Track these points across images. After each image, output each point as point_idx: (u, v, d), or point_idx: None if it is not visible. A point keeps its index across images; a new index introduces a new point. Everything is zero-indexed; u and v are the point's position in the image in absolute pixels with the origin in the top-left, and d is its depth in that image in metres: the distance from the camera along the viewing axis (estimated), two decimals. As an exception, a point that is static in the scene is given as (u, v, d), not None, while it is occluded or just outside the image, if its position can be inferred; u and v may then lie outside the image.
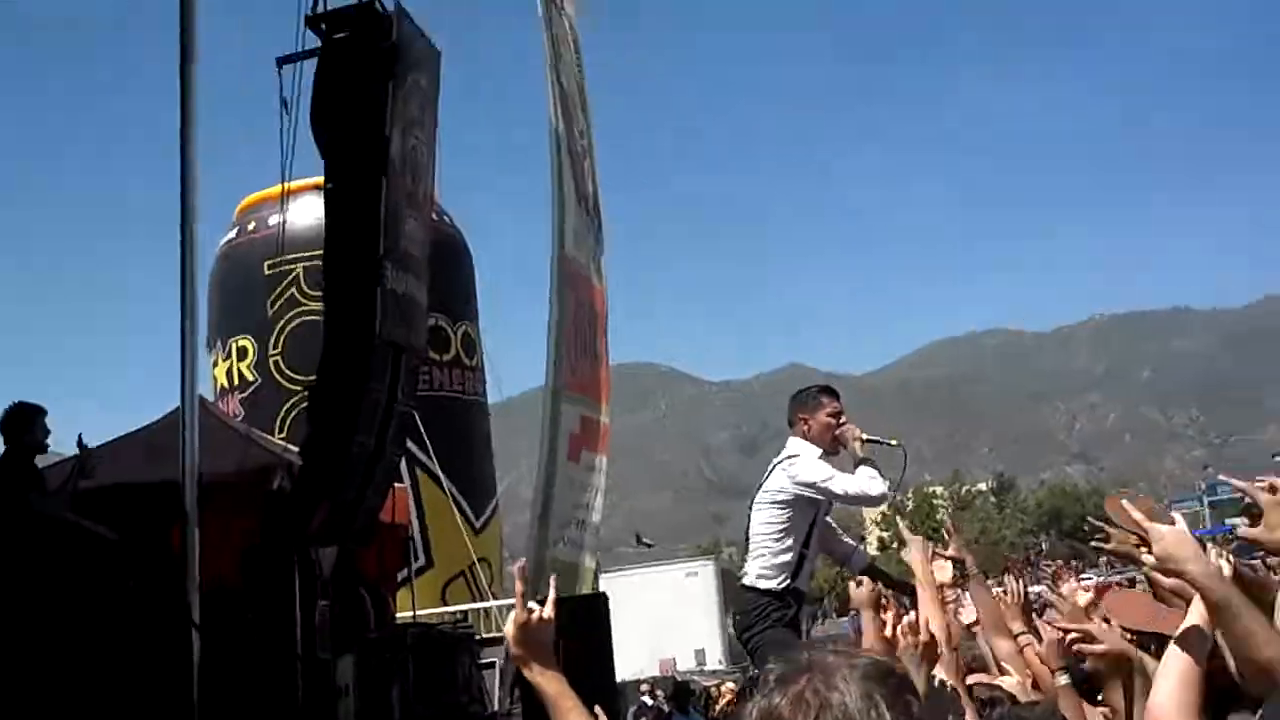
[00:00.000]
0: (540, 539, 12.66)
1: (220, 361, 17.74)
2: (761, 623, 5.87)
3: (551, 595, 2.86)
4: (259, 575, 7.69)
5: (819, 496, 5.99)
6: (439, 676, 9.15)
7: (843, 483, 5.95)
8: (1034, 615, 4.65)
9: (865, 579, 4.06)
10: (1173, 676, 2.51)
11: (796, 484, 5.94)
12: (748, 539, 6.12)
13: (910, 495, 65.33)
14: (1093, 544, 3.32)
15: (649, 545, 42.92)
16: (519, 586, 3.02)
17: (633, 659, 17.57)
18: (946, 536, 5.05)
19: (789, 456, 6.03)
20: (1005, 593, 4.49)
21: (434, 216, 12.08)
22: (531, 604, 2.87)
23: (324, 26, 8.21)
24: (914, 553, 4.64)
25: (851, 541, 6.73)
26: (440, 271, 10.96)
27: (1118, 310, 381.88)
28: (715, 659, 24.78)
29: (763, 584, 5.91)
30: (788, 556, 5.94)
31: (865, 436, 6.04)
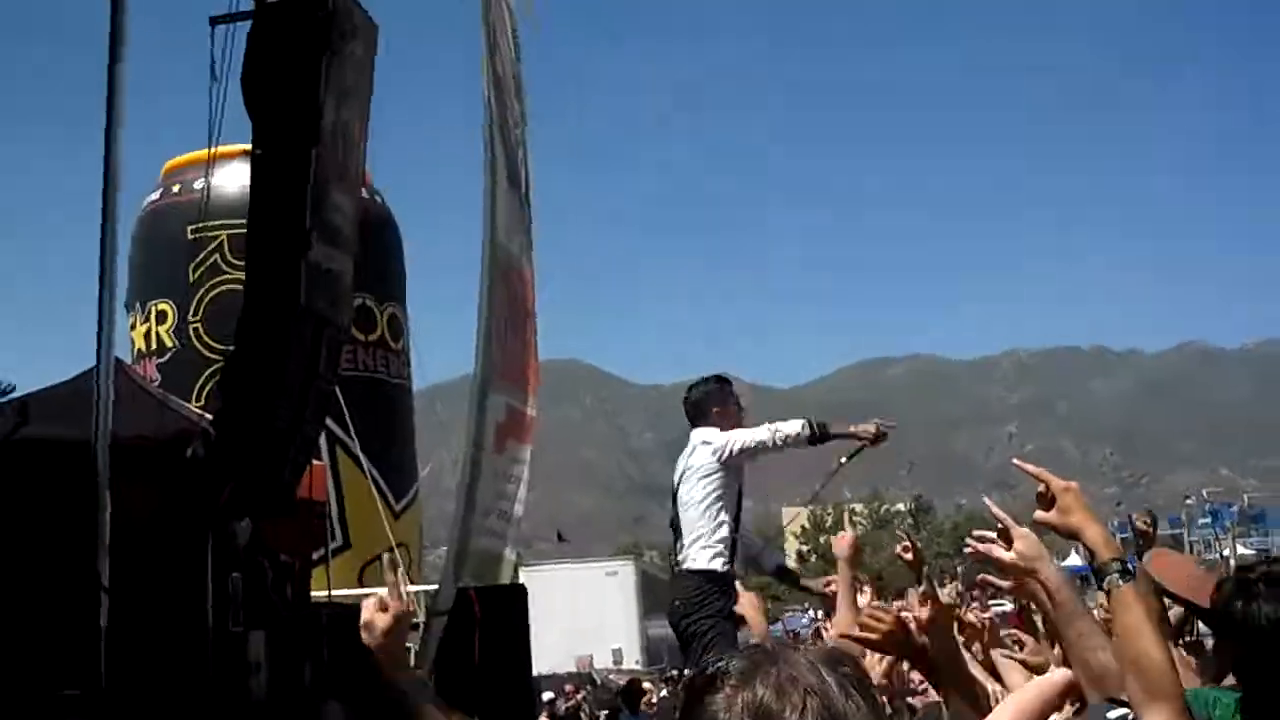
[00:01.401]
0: (464, 529, 12.54)
1: (139, 324, 17.36)
2: (700, 610, 5.90)
3: (405, 589, 2.84)
4: (171, 544, 7.51)
5: (734, 455, 6.11)
6: (353, 656, 8.96)
7: (753, 434, 6.15)
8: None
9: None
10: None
11: (727, 452, 6.07)
12: (677, 527, 6.14)
13: (830, 510, 65.98)
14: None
15: (567, 542, 42.86)
16: (390, 577, 2.90)
17: (549, 654, 17.47)
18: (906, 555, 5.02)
19: (703, 439, 6.19)
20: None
21: (364, 194, 11.90)
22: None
23: (260, -12, 8.01)
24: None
25: (759, 540, 6.92)
26: (369, 249, 10.76)
27: (1037, 346, 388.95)
28: (633, 659, 24.77)
29: (705, 564, 5.96)
30: (724, 532, 6.04)
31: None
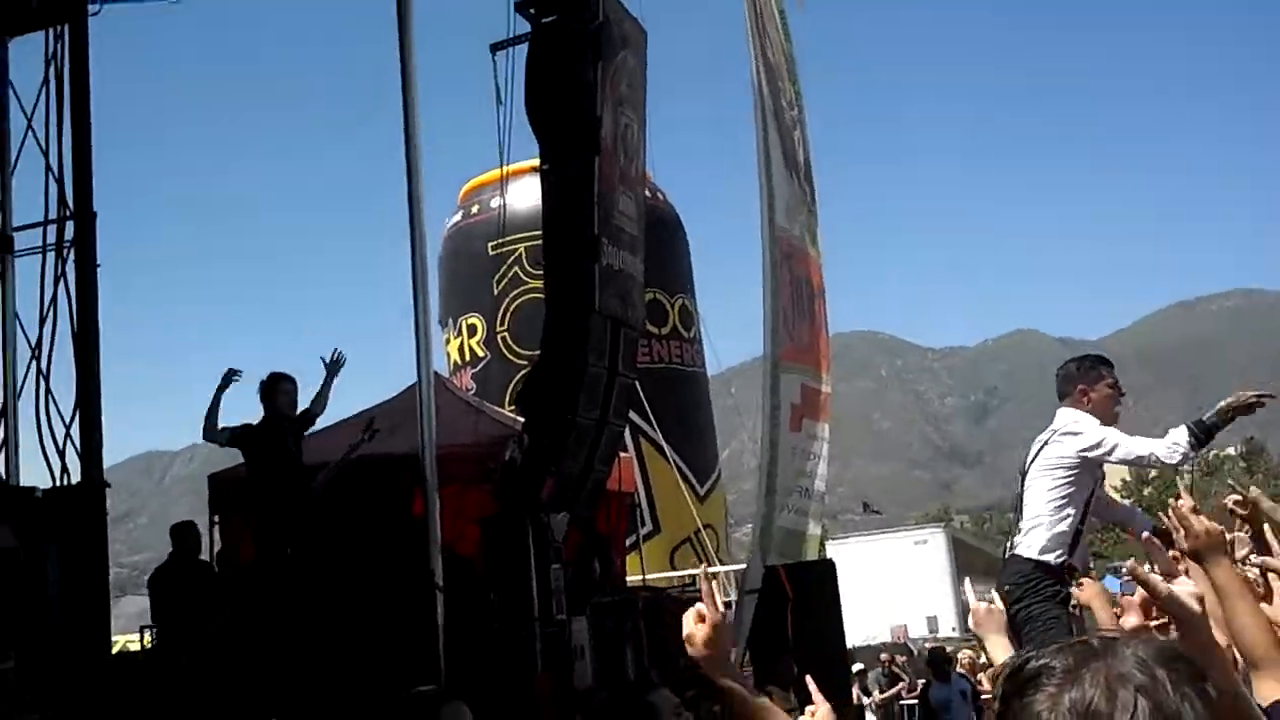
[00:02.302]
0: (767, 510, 12.77)
1: (452, 339, 18.46)
2: (1033, 596, 5.63)
3: (719, 597, 2.84)
4: (496, 542, 8.02)
5: (1108, 461, 5.77)
6: (670, 638, 9.32)
7: (1134, 447, 5.69)
8: None
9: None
10: None
11: (1084, 455, 5.73)
12: (1019, 510, 5.92)
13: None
14: None
15: (877, 513, 42.49)
16: (705, 588, 3.04)
17: (863, 625, 17.54)
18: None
19: (1068, 424, 5.80)
20: None
21: (647, 193, 12.28)
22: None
23: (533, 10, 8.44)
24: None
25: (1128, 504, 6.40)
26: (655, 246, 11.13)
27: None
28: (949, 626, 24.46)
29: (1039, 556, 5.71)
30: (1064, 528, 5.76)
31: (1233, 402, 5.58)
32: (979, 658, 13.62)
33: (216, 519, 9.72)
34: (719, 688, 2.87)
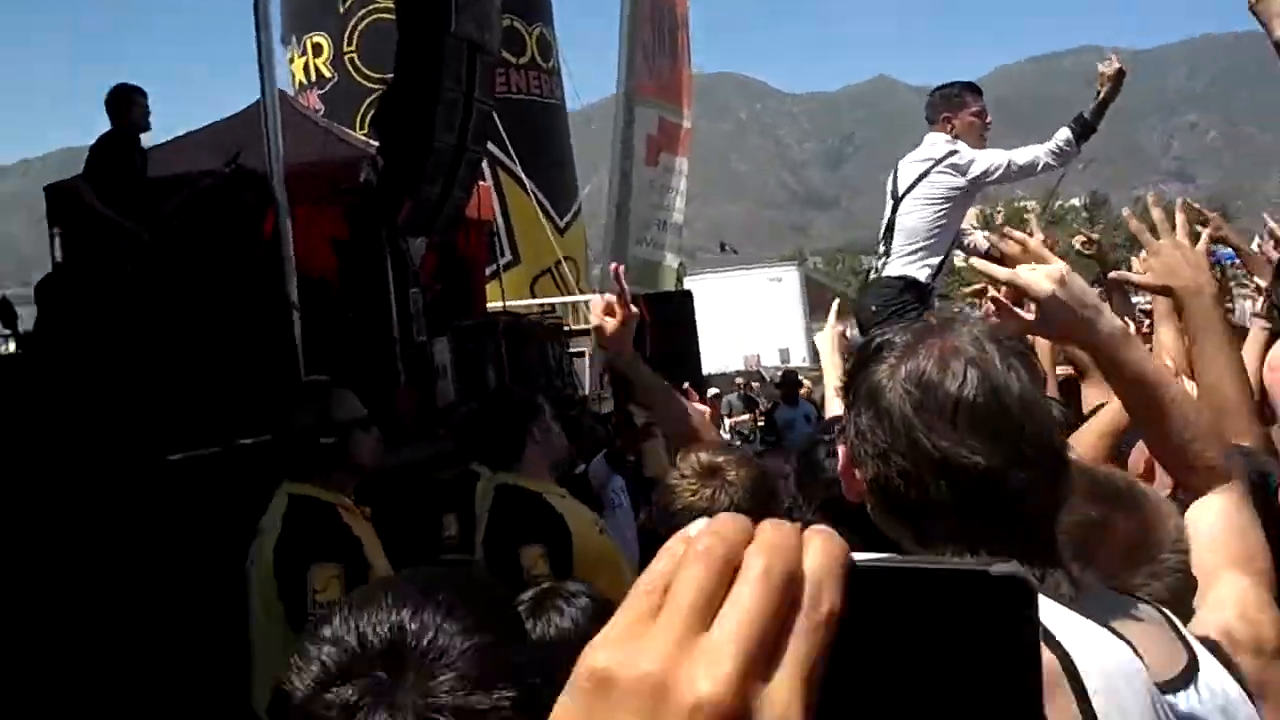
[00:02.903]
0: (618, 240, 12.82)
1: (296, 58, 17.66)
2: (897, 319, 5.73)
3: (629, 293, 3.03)
4: (353, 264, 7.90)
5: (997, 182, 5.89)
6: (531, 361, 9.45)
7: (1016, 157, 5.76)
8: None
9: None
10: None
11: (978, 179, 5.77)
12: (889, 235, 5.99)
13: (1000, 208, 64.50)
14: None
15: (734, 252, 43.10)
16: (615, 285, 3.13)
17: (718, 356, 18.04)
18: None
19: (949, 154, 5.77)
20: None
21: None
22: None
23: None
24: None
25: (973, 229, 6.53)
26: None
27: (1216, 30, 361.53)
28: (799, 357, 25.37)
29: (910, 271, 5.76)
30: (940, 257, 5.84)
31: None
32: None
33: (57, 231, 9.27)
34: (625, 378, 3.03)
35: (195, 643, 4.55)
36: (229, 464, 5.43)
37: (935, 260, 5.83)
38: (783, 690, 0.50)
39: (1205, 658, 1.51)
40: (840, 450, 1.53)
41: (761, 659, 0.50)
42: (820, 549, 0.53)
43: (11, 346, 9.17)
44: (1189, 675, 1.47)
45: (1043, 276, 1.80)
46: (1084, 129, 5.69)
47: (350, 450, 3.77)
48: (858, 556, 0.54)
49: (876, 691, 0.52)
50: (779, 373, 20.98)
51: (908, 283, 5.82)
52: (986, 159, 5.77)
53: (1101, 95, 5.62)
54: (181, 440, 5.57)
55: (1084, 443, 2.65)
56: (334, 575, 3.46)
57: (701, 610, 0.51)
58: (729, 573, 0.52)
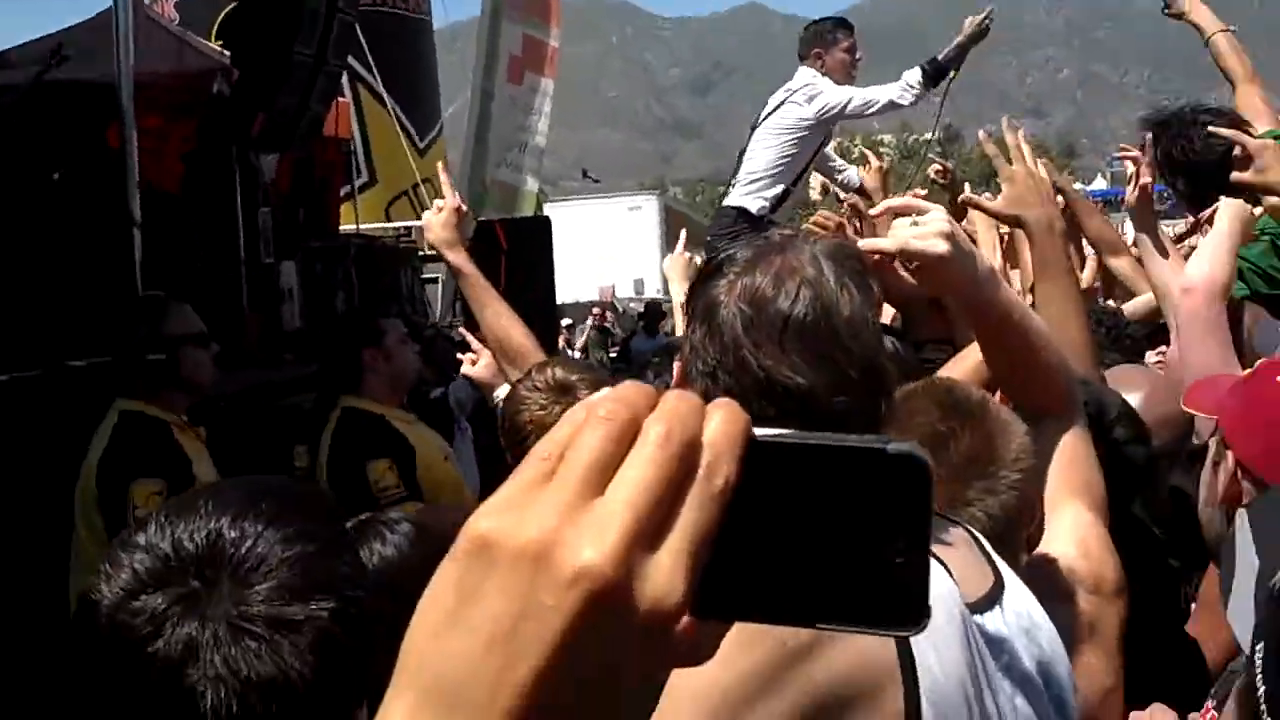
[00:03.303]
0: (476, 161, 12.61)
1: (150, -39, 16.89)
2: (733, 245, 5.86)
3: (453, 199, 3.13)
4: (199, 179, 7.67)
5: (845, 116, 6.00)
6: (381, 286, 9.35)
7: (869, 94, 5.88)
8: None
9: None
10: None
11: (823, 115, 5.88)
12: (738, 166, 6.11)
13: (856, 141, 65.44)
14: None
15: (595, 180, 42.93)
16: (445, 178, 3.18)
17: (573, 285, 18.02)
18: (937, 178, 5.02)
19: (805, 86, 5.91)
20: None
21: None
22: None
23: None
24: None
25: (846, 165, 6.68)
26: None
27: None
28: (654, 289, 25.49)
29: (742, 202, 5.94)
30: (780, 189, 5.97)
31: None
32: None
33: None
34: (450, 264, 3.06)
35: (22, 568, 4.45)
36: (58, 385, 5.26)
37: (772, 192, 5.97)
38: (667, 559, 0.49)
39: (1010, 578, 1.55)
40: (675, 366, 1.55)
41: (650, 528, 0.49)
42: (722, 419, 0.52)
43: None
44: (994, 596, 1.50)
45: (934, 237, 1.75)
46: (936, 71, 5.85)
47: (182, 366, 3.70)
48: (759, 431, 0.53)
49: (767, 566, 0.52)
50: (631, 304, 21.03)
51: (740, 212, 5.98)
52: (835, 94, 5.89)
53: (959, 40, 5.81)
54: (4, 362, 5.37)
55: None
56: (155, 491, 3.41)
57: (595, 476, 0.50)
58: (628, 440, 0.51)
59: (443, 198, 3.13)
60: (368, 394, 4.02)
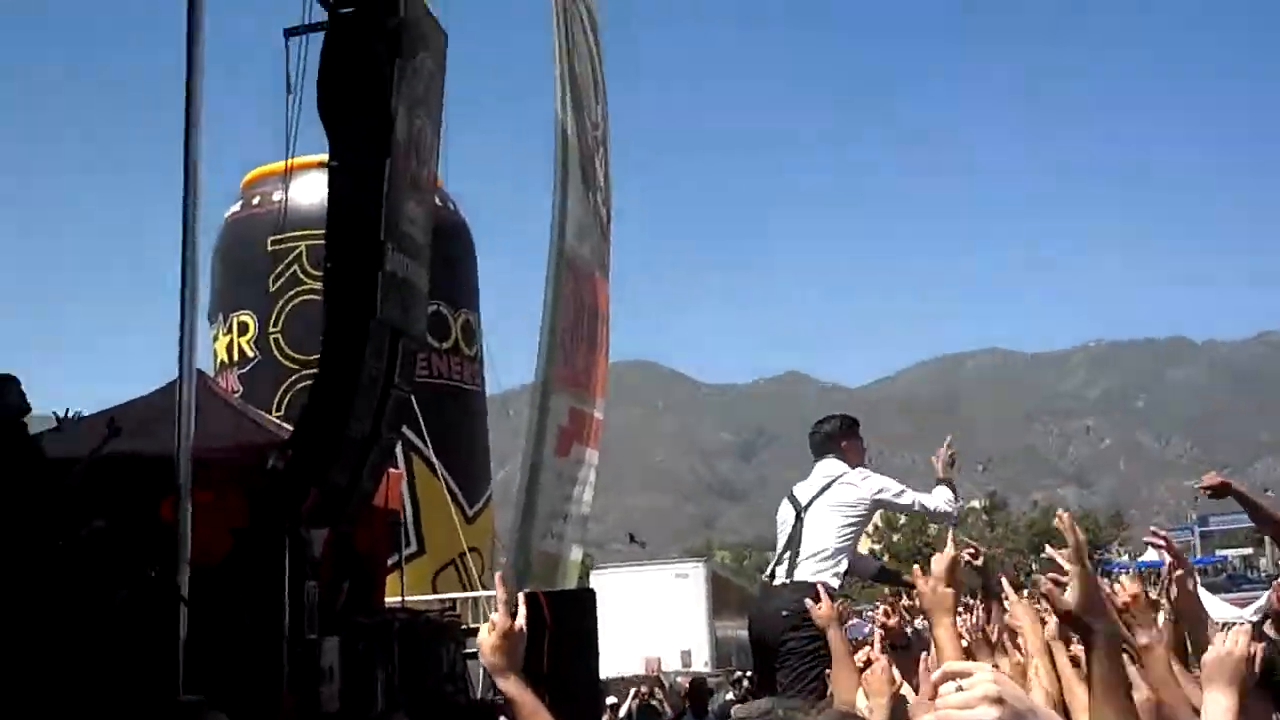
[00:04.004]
0: (524, 533, 12.60)
1: (221, 336, 17.65)
2: (810, 626, 5.63)
3: (522, 610, 2.89)
4: (249, 554, 7.64)
5: (891, 509, 6.57)
6: (424, 662, 9.11)
7: (921, 498, 6.28)
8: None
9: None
10: None
11: (878, 497, 6.21)
12: (795, 543, 6.21)
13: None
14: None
15: (641, 545, 42.92)
16: (501, 594, 3.02)
17: (618, 657, 17.55)
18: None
19: (846, 472, 6.27)
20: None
21: (437, 201, 12.02)
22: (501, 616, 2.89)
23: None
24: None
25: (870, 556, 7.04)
26: (442, 257, 10.88)
27: (1114, 337, 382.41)
28: (701, 661, 24.76)
29: (823, 576, 5.99)
30: (845, 561, 6.16)
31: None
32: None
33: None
34: (501, 691, 2.84)
35: None
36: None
37: (843, 567, 6.14)
38: None
39: None
40: None
41: None
42: None
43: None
44: None
45: (979, 699, 1.52)
46: (954, 490, 6.36)
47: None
48: None
49: None
50: (678, 678, 20.37)
51: (815, 588, 5.90)
52: (893, 483, 6.31)
53: (942, 477, 6.34)
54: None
55: None
56: None
57: None
58: None
59: (503, 612, 2.90)
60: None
